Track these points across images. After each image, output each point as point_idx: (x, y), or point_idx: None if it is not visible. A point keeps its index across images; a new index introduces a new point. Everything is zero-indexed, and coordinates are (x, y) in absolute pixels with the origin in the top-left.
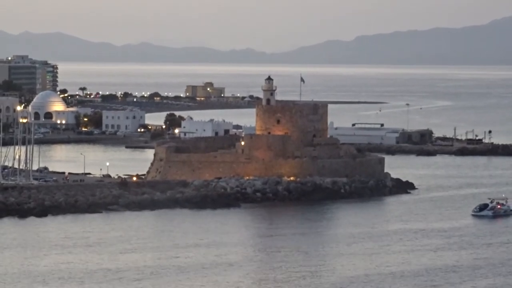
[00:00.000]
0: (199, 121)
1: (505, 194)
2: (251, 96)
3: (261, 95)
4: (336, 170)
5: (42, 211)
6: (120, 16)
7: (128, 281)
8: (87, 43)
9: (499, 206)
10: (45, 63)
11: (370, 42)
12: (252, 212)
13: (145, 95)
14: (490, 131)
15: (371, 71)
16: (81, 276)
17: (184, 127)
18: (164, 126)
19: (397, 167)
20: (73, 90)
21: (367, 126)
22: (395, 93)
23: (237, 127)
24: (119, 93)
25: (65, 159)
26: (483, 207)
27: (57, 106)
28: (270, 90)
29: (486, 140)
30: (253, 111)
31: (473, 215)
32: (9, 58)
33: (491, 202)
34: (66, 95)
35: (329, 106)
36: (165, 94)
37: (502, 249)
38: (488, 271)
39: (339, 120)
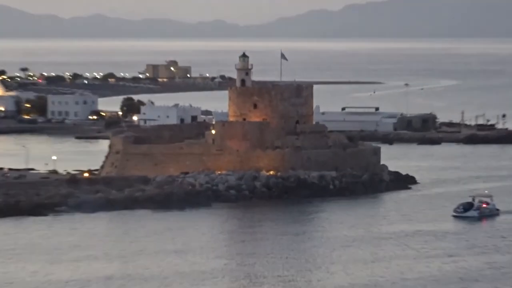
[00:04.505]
0: (162, 106)
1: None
2: (222, 77)
3: (234, 75)
4: (324, 162)
5: None
6: None
7: None
8: (28, 15)
9: (484, 205)
10: None
11: (362, 12)
12: (226, 213)
13: (98, 76)
14: (504, 115)
15: (363, 45)
16: None
17: (144, 113)
18: (120, 113)
19: (395, 158)
20: (12, 71)
21: (359, 110)
22: (392, 71)
23: (207, 113)
24: (67, 74)
25: (3, 152)
26: (468, 206)
27: None
28: (245, 69)
29: (499, 126)
30: (225, 94)
31: (455, 216)
32: None
33: (473, 200)
34: (4, 77)
35: (315, 87)
36: (122, 75)
37: None
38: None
39: (327, 103)
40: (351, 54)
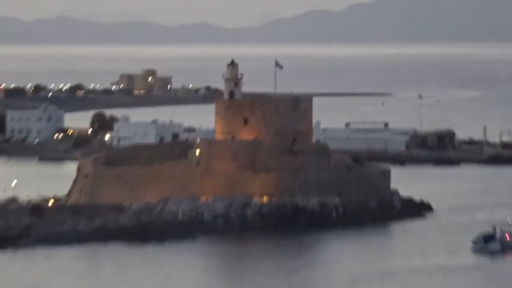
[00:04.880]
0: (138, 122)
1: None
2: (208, 88)
3: (221, 86)
4: (325, 186)
5: None
6: None
7: None
8: None
9: (507, 236)
10: None
11: (368, 13)
12: (212, 246)
13: (64, 88)
14: None
15: (370, 50)
16: None
17: (117, 131)
18: (90, 130)
19: (407, 181)
20: None
21: (366, 126)
22: (404, 80)
23: (190, 130)
24: (29, 85)
25: None
26: (489, 238)
27: None
28: (234, 79)
29: None
30: (211, 108)
31: (475, 248)
32: None
33: (495, 230)
34: None
35: (315, 99)
36: (92, 86)
37: None
38: None
39: (329, 118)
40: (356, 61)
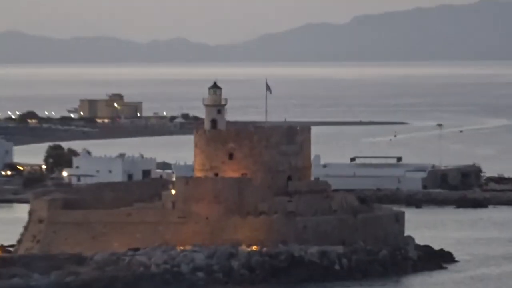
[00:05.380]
0: (102, 157)
1: None
2: (185, 116)
3: (201, 113)
4: (327, 233)
5: None
6: None
7: None
8: None
9: None
10: None
11: (376, 26)
12: None
13: (13, 116)
14: None
15: (379, 71)
16: None
17: (77, 167)
18: (44, 167)
19: (425, 227)
20: None
21: (375, 161)
22: (420, 106)
23: (164, 166)
24: None
25: None
26: None
27: None
28: (217, 106)
29: None
30: (189, 139)
31: None
32: None
33: None
34: None
35: (313, 129)
36: (46, 114)
37: None
38: None
39: (330, 152)
40: (363, 83)
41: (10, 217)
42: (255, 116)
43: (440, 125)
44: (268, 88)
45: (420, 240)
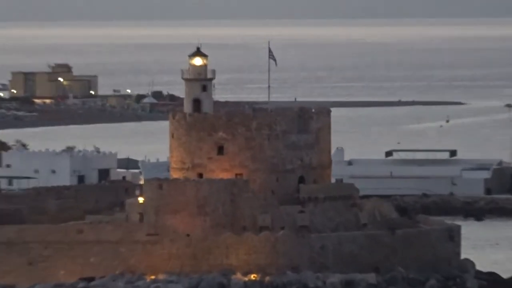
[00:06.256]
0: (43, 152)
1: None
2: (157, 95)
3: (180, 91)
4: (353, 257)
5: None
6: None
7: None
8: None
9: None
10: None
11: None
12: None
13: None
14: None
15: (425, 32)
16: None
17: (8, 165)
18: None
19: (488, 246)
20: None
21: (419, 156)
22: (483, 81)
23: (129, 163)
24: None
25: None
26: None
27: None
28: (201, 80)
29: None
30: (163, 126)
31: None
32: None
33: None
34: None
35: (334, 111)
36: None
37: None
38: None
39: (358, 144)
40: (402, 48)
41: None
42: (253, 94)
43: (510, 105)
44: (271, 55)
45: (482, 265)
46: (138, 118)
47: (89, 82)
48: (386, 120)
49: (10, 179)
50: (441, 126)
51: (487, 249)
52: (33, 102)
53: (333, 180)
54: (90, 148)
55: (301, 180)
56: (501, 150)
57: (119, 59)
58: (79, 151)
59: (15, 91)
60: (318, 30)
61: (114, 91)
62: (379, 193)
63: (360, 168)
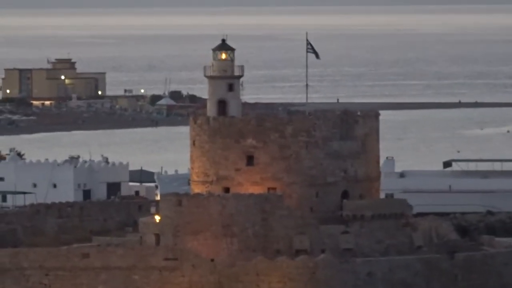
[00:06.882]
0: (42, 162)
1: None
2: (175, 95)
3: (202, 91)
4: (406, 284)
5: None
6: None
7: None
8: None
9: None
10: None
11: None
12: None
13: None
14: None
15: (485, 18)
16: None
17: (1, 178)
18: None
19: None
20: None
21: (482, 167)
22: None
23: (143, 176)
24: None
25: None
26: None
27: None
28: (227, 78)
29: None
30: (182, 133)
31: None
32: None
33: None
34: None
35: (383, 114)
36: None
37: None
38: None
39: (411, 153)
40: (460, 39)
41: None
42: (287, 94)
43: None
44: (311, 48)
45: None
46: (153, 122)
47: (96, 80)
48: (443, 124)
49: (3, 195)
50: (508, 131)
51: None
52: (30, 104)
53: (382, 195)
54: (97, 158)
55: (345, 195)
56: None
57: (131, 53)
58: (84, 161)
59: (8, 91)
60: (363, 18)
61: (125, 91)
62: (436, 210)
63: (414, 181)
